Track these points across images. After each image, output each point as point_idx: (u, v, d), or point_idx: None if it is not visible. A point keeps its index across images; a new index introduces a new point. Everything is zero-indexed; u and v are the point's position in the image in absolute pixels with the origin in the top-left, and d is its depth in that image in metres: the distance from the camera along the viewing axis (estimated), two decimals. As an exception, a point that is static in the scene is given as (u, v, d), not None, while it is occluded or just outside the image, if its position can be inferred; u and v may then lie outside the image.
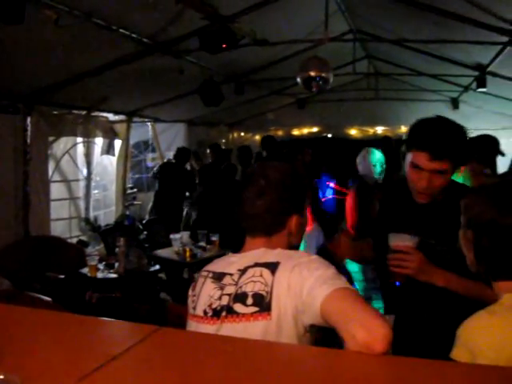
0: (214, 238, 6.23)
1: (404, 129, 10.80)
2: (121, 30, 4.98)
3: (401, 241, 2.16)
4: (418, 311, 2.41)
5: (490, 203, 1.60)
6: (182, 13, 4.95)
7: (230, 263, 1.79)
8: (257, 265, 1.69)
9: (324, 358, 1.37)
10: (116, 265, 5.61)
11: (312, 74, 5.56)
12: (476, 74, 7.47)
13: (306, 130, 11.01)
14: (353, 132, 10.94)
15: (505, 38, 5.30)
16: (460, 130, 2.19)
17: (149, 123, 9.29)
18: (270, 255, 1.71)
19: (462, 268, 1.83)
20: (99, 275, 5.44)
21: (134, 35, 5.20)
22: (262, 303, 1.61)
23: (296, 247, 1.87)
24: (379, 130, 10.59)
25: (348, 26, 7.45)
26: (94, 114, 7.33)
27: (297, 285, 1.57)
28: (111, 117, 7.89)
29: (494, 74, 7.13)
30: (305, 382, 1.20)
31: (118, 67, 5.77)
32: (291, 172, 1.90)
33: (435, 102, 10.71)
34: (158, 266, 5.96)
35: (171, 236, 6.36)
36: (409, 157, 2.22)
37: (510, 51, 5.70)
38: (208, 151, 8.70)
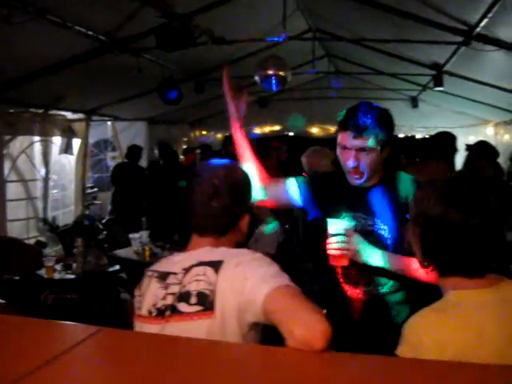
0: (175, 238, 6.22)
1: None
2: (76, 27, 4.90)
3: (337, 225, 2.24)
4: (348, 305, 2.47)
5: (437, 199, 1.62)
6: (140, 10, 4.91)
7: (175, 262, 1.78)
8: (201, 264, 1.68)
9: (265, 355, 1.37)
10: (74, 265, 5.54)
11: (270, 72, 5.56)
12: (433, 73, 7.59)
13: (267, 129, 11.03)
14: (314, 130, 11.00)
15: (459, 38, 5.38)
16: (381, 110, 2.31)
17: (108, 122, 9.18)
18: (214, 254, 1.71)
19: (399, 248, 1.87)
20: (56, 276, 5.37)
21: (90, 32, 5.12)
22: (206, 302, 1.61)
23: (242, 245, 1.87)
24: (341, 128, 10.64)
25: (307, 25, 7.48)
26: (51, 112, 7.20)
27: (240, 283, 1.57)
28: (69, 115, 7.76)
29: (450, 74, 7.25)
30: (245, 379, 1.20)
31: (75, 65, 5.68)
32: (241, 172, 1.91)
33: (395, 100, 10.86)
34: (117, 266, 5.90)
35: (130, 236, 6.30)
36: (338, 139, 2.34)
37: (465, 51, 5.80)
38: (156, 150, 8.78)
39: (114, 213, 8.40)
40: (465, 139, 10.86)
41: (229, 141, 8.01)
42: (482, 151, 5.12)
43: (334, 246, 2.25)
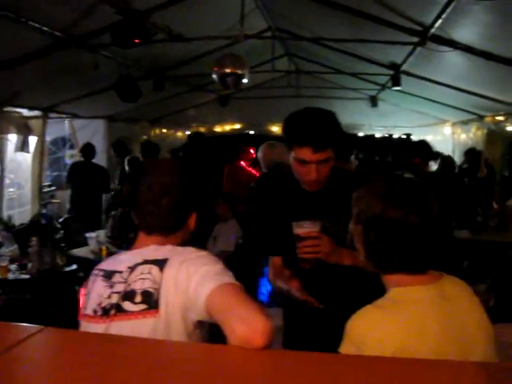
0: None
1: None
2: (31, 23, 4.81)
3: (307, 227, 2.22)
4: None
5: (377, 198, 1.63)
6: (96, 6, 4.84)
7: (121, 261, 1.76)
8: (146, 262, 1.67)
9: (206, 353, 1.37)
10: (29, 265, 5.44)
11: (227, 70, 5.56)
12: (391, 72, 7.69)
13: (228, 127, 11.03)
14: (275, 129, 11.04)
15: (415, 39, 5.47)
16: (331, 116, 2.30)
17: (66, 119, 9.04)
18: (160, 252, 1.70)
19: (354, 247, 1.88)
20: (10, 276, 5.26)
21: (45, 28, 5.03)
22: (151, 301, 1.60)
23: (188, 243, 1.86)
24: (301, 127, 10.71)
25: (266, 24, 7.50)
26: (6, 109, 7.05)
27: (184, 281, 1.57)
28: (26, 112, 7.61)
29: (408, 73, 7.36)
30: (187, 378, 1.19)
31: (30, 61, 5.58)
32: (188, 170, 1.89)
33: (355, 99, 10.98)
34: (74, 266, 5.82)
35: (87, 235, 6.22)
36: (292, 153, 2.27)
37: (421, 51, 5.90)
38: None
39: (73, 211, 8.28)
40: (423, 138, 11.09)
41: (197, 139, 8.01)
42: (418, 150, 5.29)
43: (305, 249, 2.23)
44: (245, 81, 5.74)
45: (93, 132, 9.37)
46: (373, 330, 1.52)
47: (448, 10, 4.40)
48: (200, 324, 1.61)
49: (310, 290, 2.49)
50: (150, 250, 1.73)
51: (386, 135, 11.39)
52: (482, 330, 1.64)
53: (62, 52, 5.60)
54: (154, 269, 1.63)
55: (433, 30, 5.03)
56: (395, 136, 11.33)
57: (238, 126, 11.11)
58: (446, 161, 8.40)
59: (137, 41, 4.60)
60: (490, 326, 1.68)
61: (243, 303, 1.44)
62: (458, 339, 1.56)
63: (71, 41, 5.45)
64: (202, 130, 10.94)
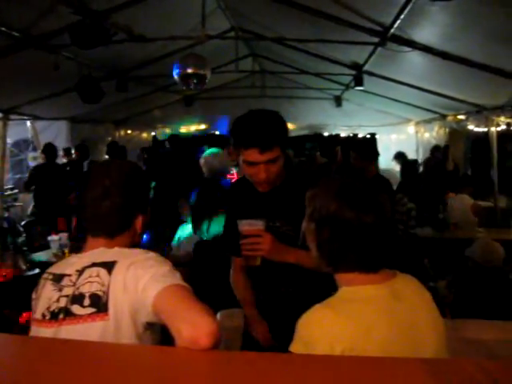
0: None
1: (290, 126, 11.06)
2: (-13, 23, 4.74)
3: (250, 225, 2.24)
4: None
5: (331, 197, 1.64)
6: (55, 7, 4.78)
7: (70, 264, 1.74)
8: (94, 265, 1.65)
9: (154, 355, 1.37)
10: (-10, 270, 5.34)
11: (189, 71, 5.53)
12: (354, 72, 7.75)
13: (193, 128, 10.98)
14: (240, 129, 11.05)
15: (376, 39, 5.52)
16: (276, 116, 2.31)
17: (28, 121, 8.90)
18: (108, 254, 1.68)
19: (306, 247, 1.90)
20: (-31, 281, 5.16)
21: (3, 29, 4.96)
22: (99, 304, 1.58)
23: (137, 245, 1.84)
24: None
25: (229, 24, 7.50)
26: (-35, 111, 6.94)
27: (132, 283, 1.56)
28: (-15, 115, 7.50)
29: (370, 73, 7.44)
30: (135, 380, 1.19)
31: (-12, 62, 5.50)
32: (134, 170, 1.88)
33: (320, 99, 11.06)
34: (37, 270, 5.72)
35: (49, 238, 6.12)
36: (241, 156, 2.27)
37: (382, 52, 5.96)
38: (73, 150, 8.58)
39: (36, 214, 8.15)
40: (387, 137, 11.25)
41: (174, 139, 7.99)
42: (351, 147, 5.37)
43: (247, 246, 2.24)
44: (207, 81, 5.71)
45: (56, 134, 9.24)
46: (323, 329, 1.52)
47: (406, 11, 4.46)
48: (150, 326, 1.60)
49: (259, 289, 2.54)
50: (98, 252, 1.71)
51: (351, 135, 11.48)
52: (433, 328, 1.65)
53: (22, 53, 5.52)
54: (102, 271, 1.62)
55: (392, 31, 5.08)
56: (360, 135, 11.43)
57: (203, 127, 11.07)
58: (407, 163, 8.59)
59: (96, 41, 4.55)
60: (441, 324, 1.70)
61: (189, 305, 1.44)
62: (407, 338, 1.57)
63: (30, 41, 5.37)
64: (168, 130, 10.88)
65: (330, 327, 1.52)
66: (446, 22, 4.81)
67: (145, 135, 11.29)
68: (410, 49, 5.42)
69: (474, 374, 1.16)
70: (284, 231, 2.35)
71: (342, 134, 11.50)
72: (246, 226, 2.25)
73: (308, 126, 10.94)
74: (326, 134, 11.21)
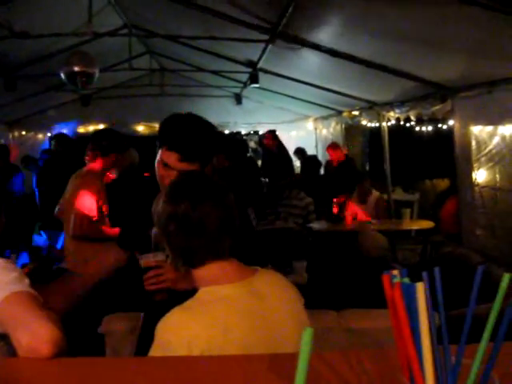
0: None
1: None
2: None
3: (148, 258, 2.10)
4: None
5: (165, 199, 1.65)
6: None
7: None
8: None
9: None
10: None
11: (76, 69, 5.36)
12: (250, 70, 7.80)
13: (92, 127, 10.69)
14: (140, 128, 10.90)
15: (265, 36, 5.56)
16: (210, 130, 2.23)
17: None
18: None
19: None
20: None
21: None
22: None
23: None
24: (165, 125, 10.63)
25: (122, 21, 7.35)
26: None
27: None
28: None
29: (265, 71, 7.50)
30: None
31: None
32: None
33: (220, 97, 11.09)
34: None
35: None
36: (159, 153, 2.20)
37: (273, 49, 6.02)
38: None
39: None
40: (287, 134, 11.43)
41: (62, 139, 7.68)
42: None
43: (149, 281, 2.09)
44: (94, 79, 5.56)
45: None
46: (179, 332, 1.50)
47: (290, 9, 4.51)
48: (1, 337, 1.51)
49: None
50: None
51: (252, 132, 11.57)
52: (296, 324, 1.66)
53: None
54: None
55: (280, 28, 5.13)
56: (260, 132, 11.54)
57: (101, 126, 10.76)
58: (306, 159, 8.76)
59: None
60: (305, 319, 1.71)
61: (31, 313, 1.38)
62: (267, 336, 1.58)
63: None
64: (65, 130, 10.52)
65: (187, 330, 1.50)
66: (330, 20, 4.92)
67: (40, 136, 10.87)
68: (299, 46, 5.50)
69: (316, 367, 1.18)
70: None
71: (243, 132, 11.56)
72: (146, 258, 2.10)
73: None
74: (226, 131, 11.22)
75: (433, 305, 0.79)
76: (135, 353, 2.54)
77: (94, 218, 3.96)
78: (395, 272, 0.81)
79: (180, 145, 2.13)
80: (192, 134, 2.16)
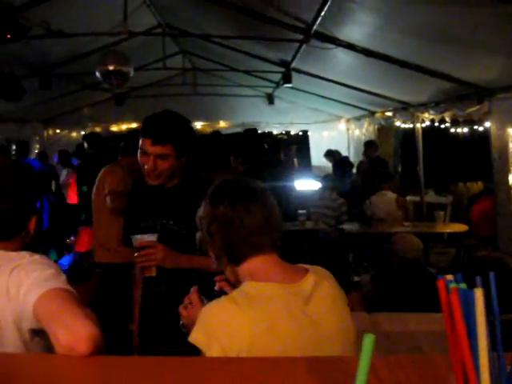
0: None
1: (223, 124, 11.03)
2: None
3: (143, 239, 2.39)
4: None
5: (207, 201, 1.72)
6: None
7: None
8: None
9: (33, 364, 1.31)
10: None
11: (111, 68, 5.42)
12: (283, 70, 7.78)
13: (124, 126, 10.78)
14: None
15: (300, 36, 5.54)
16: (181, 119, 2.52)
17: None
18: None
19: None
20: None
21: None
22: None
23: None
24: (198, 125, 10.68)
25: (156, 21, 7.39)
26: None
27: (15, 288, 1.48)
28: None
29: (298, 71, 7.47)
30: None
31: None
32: (24, 171, 1.78)
33: (252, 97, 11.08)
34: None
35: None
36: (140, 142, 2.45)
37: (307, 49, 5.99)
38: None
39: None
40: (319, 134, 11.38)
41: (93, 139, 7.71)
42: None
43: (141, 258, 2.38)
44: (129, 78, 5.59)
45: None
46: (224, 323, 1.52)
47: (326, 8, 4.48)
48: (38, 333, 1.52)
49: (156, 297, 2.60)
50: None
51: (284, 132, 11.54)
52: (340, 327, 1.66)
53: None
54: None
55: (315, 27, 5.10)
56: (292, 133, 11.51)
57: (134, 126, 10.85)
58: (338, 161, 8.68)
59: (9, 36, 4.38)
60: (349, 322, 1.70)
61: (68, 309, 1.38)
62: (310, 337, 1.57)
63: None
64: (98, 129, 10.63)
65: (232, 322, 1.52)
66: (365, 20, 4.88)
67: (74, 134, 10.98)
68: (333, 46, 5.46)
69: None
70: (178, 232, 2.50)
71: (275, 132, 11.54)
72: (139, 239, 2.38)
73: (241, 124, 10.91)
74: (259, 131, 11.20)
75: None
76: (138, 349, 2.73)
77: None
78: (449, 277, 0.79)
79: (150, 130, 2.41)
80: (161, 120, 2.47)
